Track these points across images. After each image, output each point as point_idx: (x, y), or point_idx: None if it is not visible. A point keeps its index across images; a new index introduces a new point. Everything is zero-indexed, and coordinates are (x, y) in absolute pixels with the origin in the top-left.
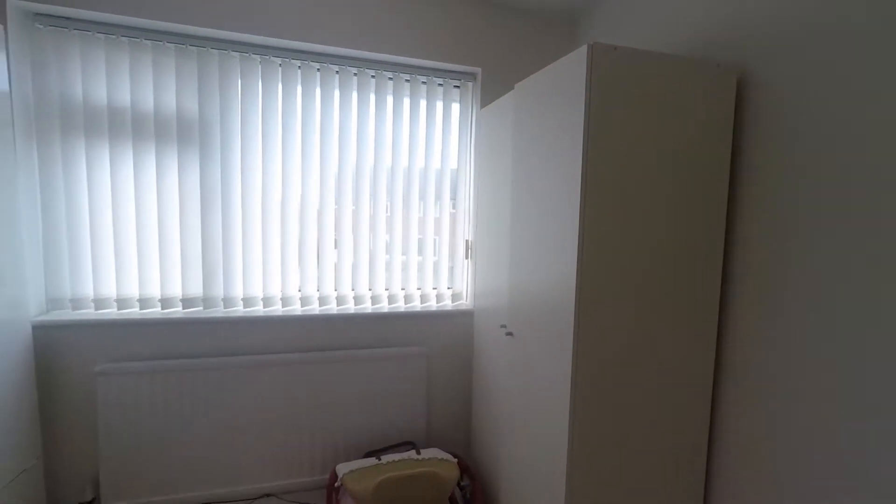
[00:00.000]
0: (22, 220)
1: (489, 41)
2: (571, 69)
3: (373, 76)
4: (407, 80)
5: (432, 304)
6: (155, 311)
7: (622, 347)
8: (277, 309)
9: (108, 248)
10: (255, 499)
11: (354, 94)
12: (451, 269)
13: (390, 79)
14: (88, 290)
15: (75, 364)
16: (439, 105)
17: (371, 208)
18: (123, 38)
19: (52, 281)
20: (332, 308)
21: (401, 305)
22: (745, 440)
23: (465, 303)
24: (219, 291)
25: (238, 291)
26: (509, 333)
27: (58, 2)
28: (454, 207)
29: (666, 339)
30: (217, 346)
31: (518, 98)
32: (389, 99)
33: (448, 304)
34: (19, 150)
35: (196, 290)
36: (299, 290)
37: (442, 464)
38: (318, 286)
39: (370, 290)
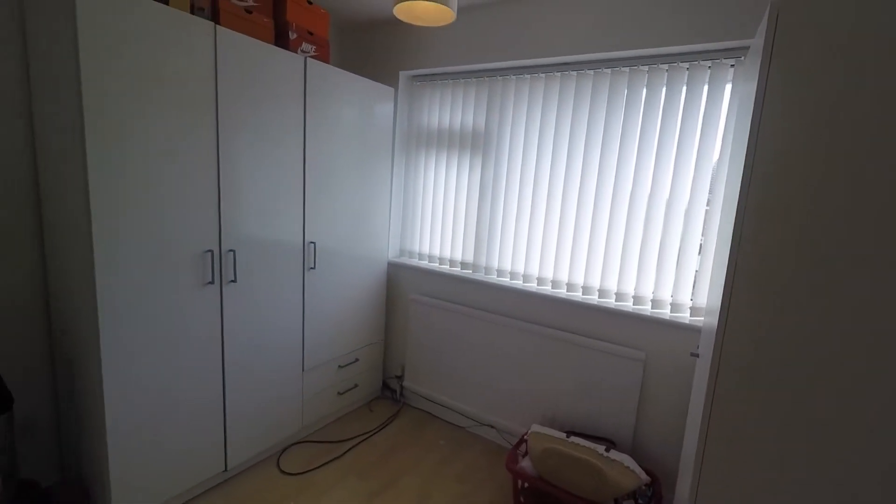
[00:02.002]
0: (391, 201)
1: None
2: (760, 34)
3: (625, 71)
4: (665, 70)
5: (665, 313)
6: (445, 268)
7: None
8: (519, 283)
9: (427, 220)
10: (483, 424)
11: (605, 93)
12: (697, 278)
13: (646, 72)
14: (415, 247)
15: (402, 290)
16: (705, 90)
17: (610, 206)
18: (448, 81)
19: (402, 238)
20: (562, 292)
21: (628, 305)
22: None
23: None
24: (482, 261)
25: (495, 263)
26: (695, 355)
27: (424, 66)
28: (709, 205)
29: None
30: (478, 301)
31: (744, 71)
32: (643, 91)
33: (686, 316)
34: (395, 159)
35: (469, 257)
36: (539, 271)
37: (620, 468)
38: (554, 271)
39: (600, 284)
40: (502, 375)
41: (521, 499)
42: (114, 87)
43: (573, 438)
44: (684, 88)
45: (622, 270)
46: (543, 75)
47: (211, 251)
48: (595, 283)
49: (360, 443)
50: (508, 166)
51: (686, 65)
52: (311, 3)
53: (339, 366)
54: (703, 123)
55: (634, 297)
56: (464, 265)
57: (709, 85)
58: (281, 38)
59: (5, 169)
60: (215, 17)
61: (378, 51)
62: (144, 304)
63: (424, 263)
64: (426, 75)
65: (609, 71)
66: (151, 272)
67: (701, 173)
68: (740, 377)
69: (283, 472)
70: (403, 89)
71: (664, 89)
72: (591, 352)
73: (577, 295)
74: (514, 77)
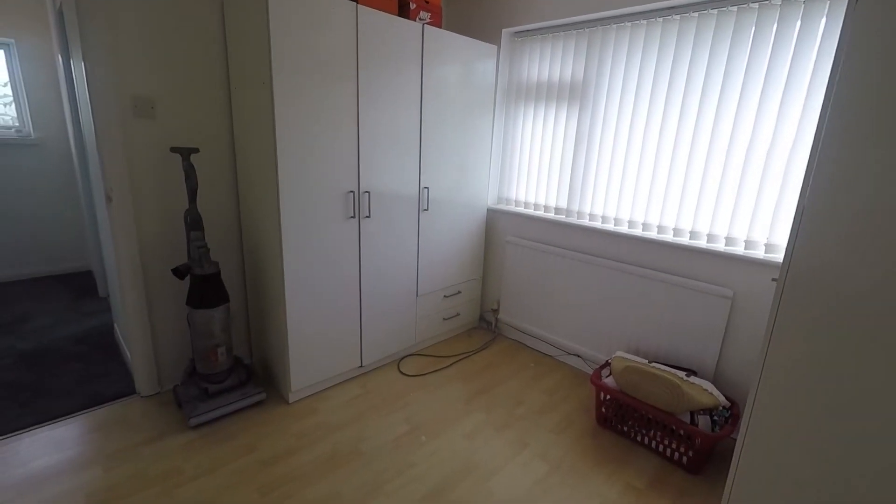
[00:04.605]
0: (492, 152)
1: None
2: None
3: (733, 10)
4: (778, 5)
5: (759, 253)
6: (539, 213)
7: None
8: (610, 226)
9: (524, 169)
10: (569, 353)
11: (710, 35)
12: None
13: (756, 9)
14: (512, 194)
15: (499, 233)
16: (822, 23)
17: (707, 150)
18: (548, 34)
19: (500, 186)
20: (652, 234)
21: (719, 246)
22: None
23: None
24: (575, 206)
25: (587, 208)
26: (775, 279)
27: (525, 22)
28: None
29: None
30: (570, 242)
31: None
32: (752, 30)
33: (780, 257)
34: (495, 113)
35: (563, 203)
36: (630, 214)
37: (698, 389)
38: (645, 214)
39: (692, 226)
40: (590, 310)
41: (603, 409)
42: (289, 64)
43: (655, 364)
44: (798, 24)
45: (715, 213)
46: (644, 22)
47: (353, 192)
48: (686, 225)
49: (461, 359)
50: (605, 114)
51: None
52: None
53: (445, 295)
54: (816, 60)
55: (727, 239)
56: (557, 210)
57: (826, 18)
58: (403, 10)
59: (216, 137)
60: None
61: (483, 11)
62: (310, 232)
63: (520, 209)
64: (527, 31)
65: (716, 11)
66: (314, 207)
67: (808, 115)
68: (801, 296)
69: (402, 373)
70: (505, 46)
71: (775, 26)
72: (677, 289)
73: (668, 236)
74: (614, 26)
